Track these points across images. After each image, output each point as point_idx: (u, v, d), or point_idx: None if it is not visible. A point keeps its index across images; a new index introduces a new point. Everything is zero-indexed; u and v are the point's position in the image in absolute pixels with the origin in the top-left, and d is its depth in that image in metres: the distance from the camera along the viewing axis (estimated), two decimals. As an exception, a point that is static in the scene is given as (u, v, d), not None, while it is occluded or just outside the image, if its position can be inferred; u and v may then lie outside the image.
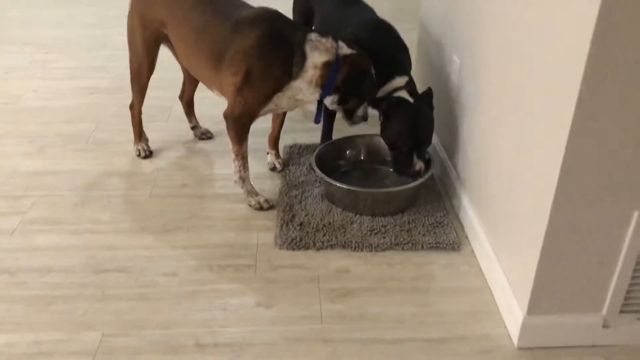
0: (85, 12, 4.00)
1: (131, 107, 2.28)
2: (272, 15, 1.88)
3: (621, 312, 1.48)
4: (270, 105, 1.92)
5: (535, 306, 1.47)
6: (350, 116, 1.99)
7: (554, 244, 1.38)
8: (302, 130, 2.52)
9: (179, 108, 2.67)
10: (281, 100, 1.91)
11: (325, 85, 1.87)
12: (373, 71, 1.94)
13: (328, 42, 1.87)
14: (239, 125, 1.93)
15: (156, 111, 2.53)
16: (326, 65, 1.85)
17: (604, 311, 1.48)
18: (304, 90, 1.89)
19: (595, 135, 1.24)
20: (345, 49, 1.88)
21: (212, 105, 2.64)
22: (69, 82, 3.00)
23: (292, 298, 1.66)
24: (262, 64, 1.82)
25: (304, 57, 1.84)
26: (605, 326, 1.49)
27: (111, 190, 2.13)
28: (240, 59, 1.82)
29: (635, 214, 1.33)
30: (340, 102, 1.94)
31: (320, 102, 1.97)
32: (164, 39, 2.05)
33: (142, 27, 2.04)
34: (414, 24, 2.67)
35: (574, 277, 1.43)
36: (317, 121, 2.06)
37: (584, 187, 1.31)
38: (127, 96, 2.40)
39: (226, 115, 1.94)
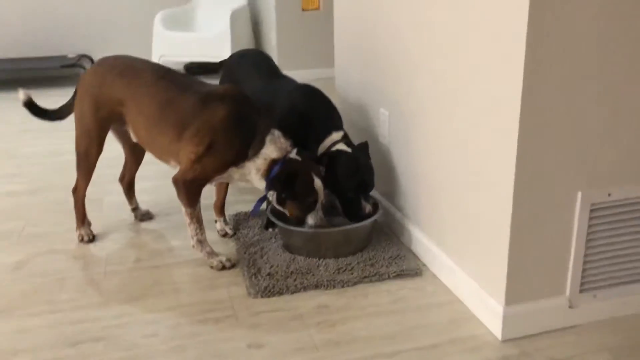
0: (-19, 130, 3.89)
1: (74, 191, 2.24)
2: (239, 96, 2.00)
3: (581, 291, 1.67)
4: (224, 175, 2.01)
5: (511, 296, 1.61)
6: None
7: (518, 238, 1.57)
8: (241, 202, 2.59)
9: (110, 198, 2.65)
10: (234, 173, 2.01)
11: (267, 178, 1.98)
12: (316, 180, 1.99)
13: (285, 143, 2.00)
14: (191, 188, 1.98)
15: (88, 205, 2.47)
16: (273, 162, 1.97)
17: (567, 292, 1.66)
18: (252, 173, 2.00)
19: (537, 145, 1.48)
20: (293, 154, 2.00)
21: (142, 190, 2.65)
22: (-17, 189, 2.87)
23: (282, 335, 1.68)
24: (226, 139, 1.93)
25: (262, 145, 1.96)
26: (570, 307, 1.66)
27: (61, 274, 2.04)
28: (206, 131, 1.92)
29: (579, 193, 1.56)
30: (278, 201, 2.03)
31: (264, 197, 2.09)
32: (117, 117, 2.10)
33: (95, 109, 2.09)
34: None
35: (539, 264, 1.61)
36: (253, 213, 2.20)
37: (535, 182, 1.52)
38: (51, 194, 2.34)
39: (176, 180, 1.99)
